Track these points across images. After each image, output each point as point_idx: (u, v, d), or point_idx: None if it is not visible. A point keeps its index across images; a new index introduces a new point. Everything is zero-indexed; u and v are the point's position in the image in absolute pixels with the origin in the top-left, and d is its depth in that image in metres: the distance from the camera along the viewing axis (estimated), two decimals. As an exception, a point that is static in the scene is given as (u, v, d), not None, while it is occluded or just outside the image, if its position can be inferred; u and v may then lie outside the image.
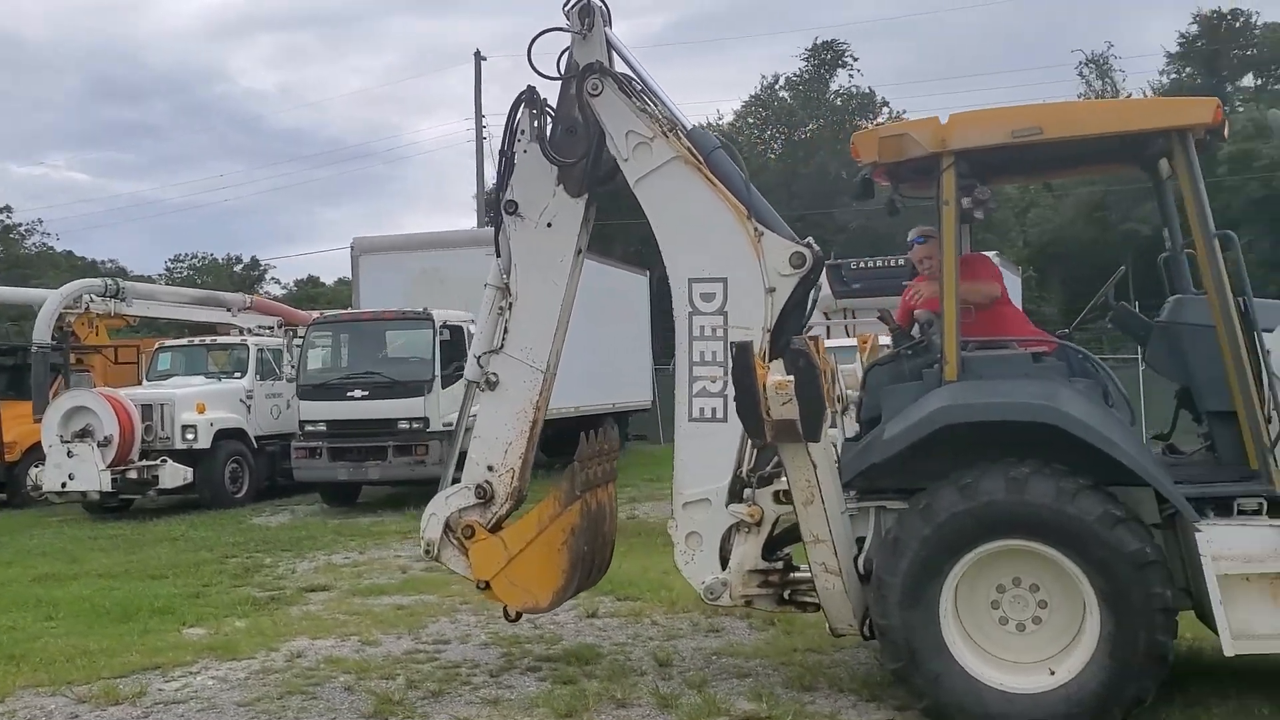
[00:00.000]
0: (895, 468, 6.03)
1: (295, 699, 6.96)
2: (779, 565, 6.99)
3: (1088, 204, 37.31)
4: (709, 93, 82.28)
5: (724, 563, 6.91)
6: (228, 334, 20.64)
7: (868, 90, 35.89)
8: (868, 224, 33.06)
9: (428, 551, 7.54)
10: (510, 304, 7.41)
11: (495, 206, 7.58)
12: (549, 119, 7.39)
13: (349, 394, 16.86)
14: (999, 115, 5.97)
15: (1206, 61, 37.70)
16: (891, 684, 6.68)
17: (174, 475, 17.27)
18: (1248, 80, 39.02)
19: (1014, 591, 5.96)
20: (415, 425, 16.62)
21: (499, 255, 7.45)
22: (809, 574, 6.96)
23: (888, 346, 7.51)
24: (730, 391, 6.84)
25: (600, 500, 7.50)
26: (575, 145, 7.22)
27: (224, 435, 17.94)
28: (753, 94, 37.25)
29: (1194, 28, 38.14)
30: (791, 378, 6.05)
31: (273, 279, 57.83)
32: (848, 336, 15.60)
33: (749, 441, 6.89)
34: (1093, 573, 5.60)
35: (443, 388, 16.82)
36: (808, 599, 6.93)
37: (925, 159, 6.12)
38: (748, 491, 6.92)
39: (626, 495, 18.09)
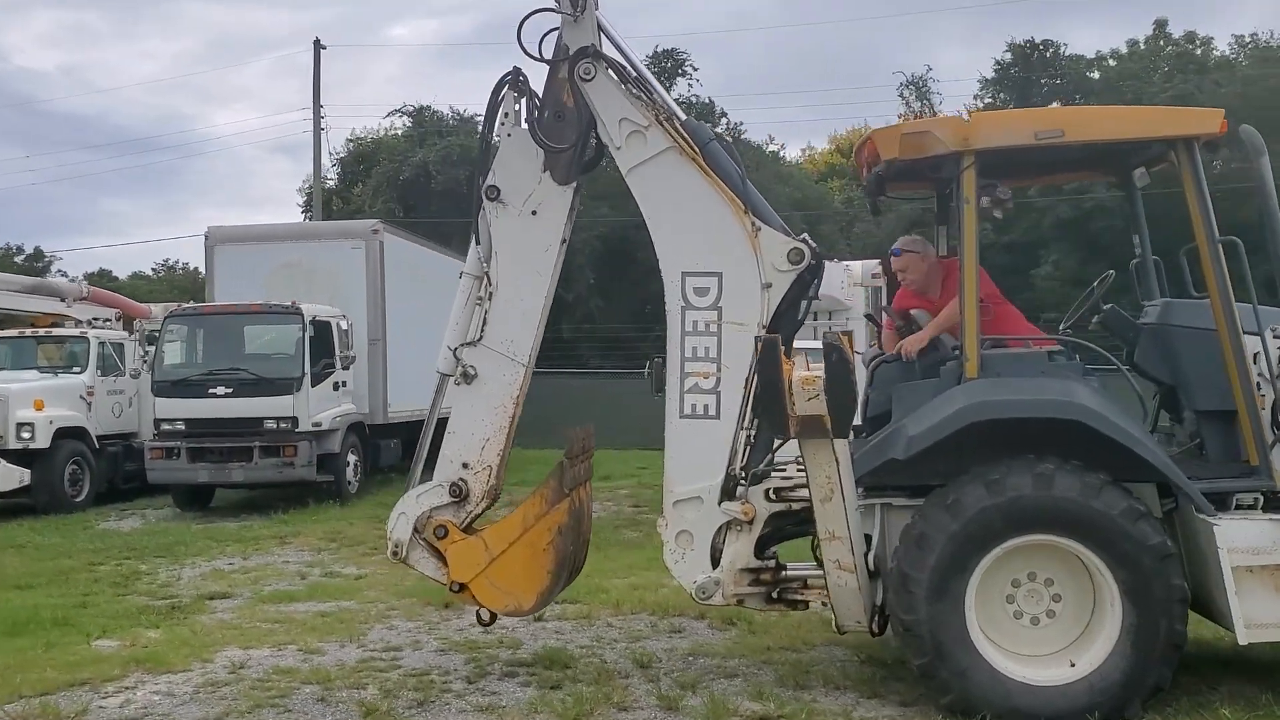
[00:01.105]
0: (913, 465, 6.05)
1: (268, 712, 6.49)
2: (771, 564, 6.93)
3: (908, 220, 38.63)
4: None
5: (713, 561, 6.83)
6: (61, 325, 19.20)
7: (707, 100, 36.54)
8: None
9: (395, 553, 7.14)
10: (490, 294, 7.09)
11: (474, 191, 7.25)
12: (534, 103, 7.14)
13: (211, 391, 15.93)
14: (1023, 116, 6.15)
15: (1019, 88, 39.82)
16: (885, 680, 6.77)
17: (8, 477, 15.96)
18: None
19: (1029, 586, 6.07)
20: (283, 425, 15.85)
21: (478, 242, 7.12)
22: (799, 572, 6.96)
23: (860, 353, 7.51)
24: (723, 388, 6.79)
25: (581, 499, 7.28)
26: (564, 131, 6.99)
27: (64, 434, 16.66)
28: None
29: (1008, 55, 40.29)
30: (819, 373, 6.01)
31: (59, 272, 54.22)
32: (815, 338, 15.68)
33: (741, 438, 6.82)
34: (1116, 566, 5.75)
35: (312, 386, 16.11)
36: (798, 597, 6.90)
37: (944, 157, 6.17)
38: (740, 489, 6.83)
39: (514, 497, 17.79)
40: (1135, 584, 5.72)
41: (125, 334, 19.07)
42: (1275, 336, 6.14)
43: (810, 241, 6.81)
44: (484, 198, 7.09)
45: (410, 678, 7.13)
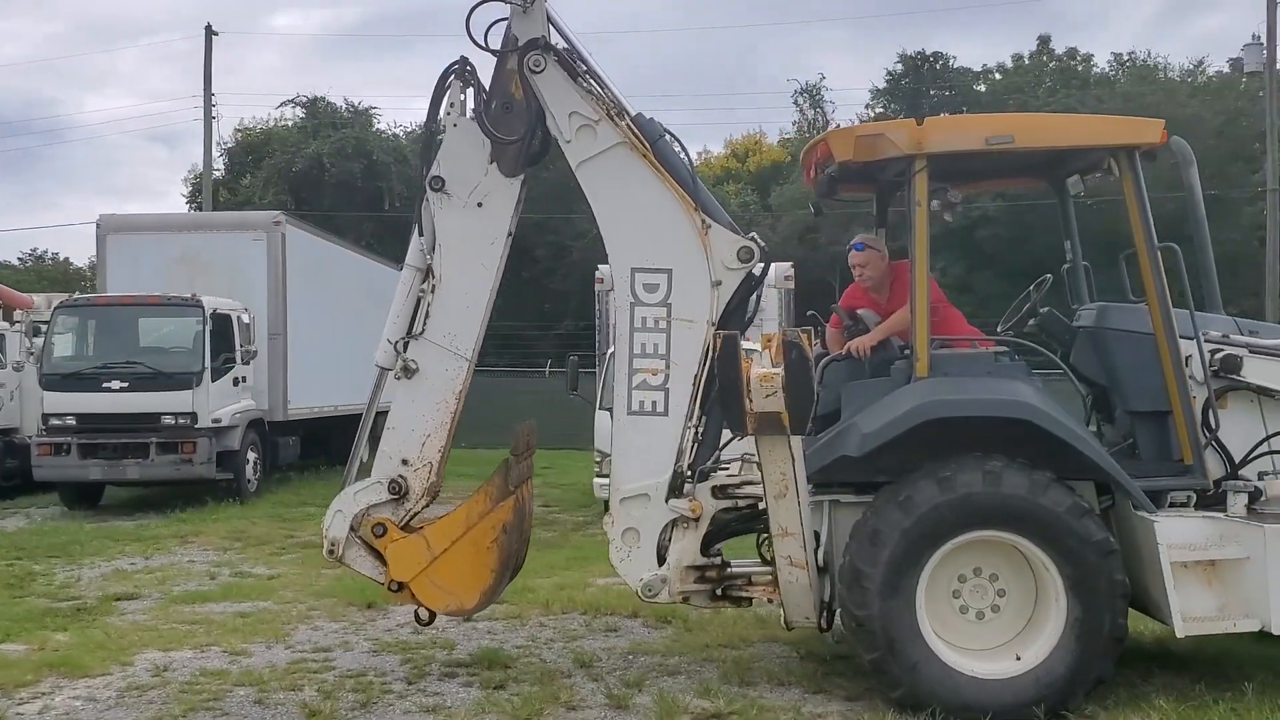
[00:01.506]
0: (866, 462, 6.12)
1: (203, 716, 6.27)
2: (716, 561, 6.94)
3: (802, 225, 39.18)
4: (403, 89, 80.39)
5: (659, 559, 6.82)
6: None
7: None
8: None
9: (331, 552, 6.95)
10: (433, 286, 6.95)
11: (420, 181, 7.11)
12: (481, 94, 7.03)
13: (104, 385, 15.34)
14: (974, 122, 6.24)
15: (909, 98, 40.76)
16: (828, 675, 6.84)
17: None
18: (942, 118, 42.47)
19: (974, 581, 6.20)
20: (182, 421, 15.34)
21: (420, 234, 6.98)
22: (744, 569, 6.98)
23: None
24: (672, 385, 6.77)
25: (524, 496, 7.18)
26: (512, 123, 6.89)
27: (-59, 429, 15.91)
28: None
29: (899, 66, 41.22)
30: (777, 370, 6.04)
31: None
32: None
33: (688, 435, 6.82)
34: (1062, 561, 5.90)
35: (212, 381, 15.64)
36: (742, 594, 6.92)
37: (895, 160, 6.26)
38: (688, 486, 6.83)
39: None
40: (1080, 579, 5.88)
41: (5, 325, 18.24)
42: (1207, 341, 6.37)
43: (759, 240, 6.83)
44: (428, 188, 6.96)
45: (346, 679, 6.95)
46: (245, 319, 16.46)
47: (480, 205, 6.92)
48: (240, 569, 11.14)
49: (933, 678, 5.93)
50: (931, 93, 41.33)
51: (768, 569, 6.98)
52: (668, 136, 6.98)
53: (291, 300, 17.72)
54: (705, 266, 6.77)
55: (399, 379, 7.00)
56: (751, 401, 6.05)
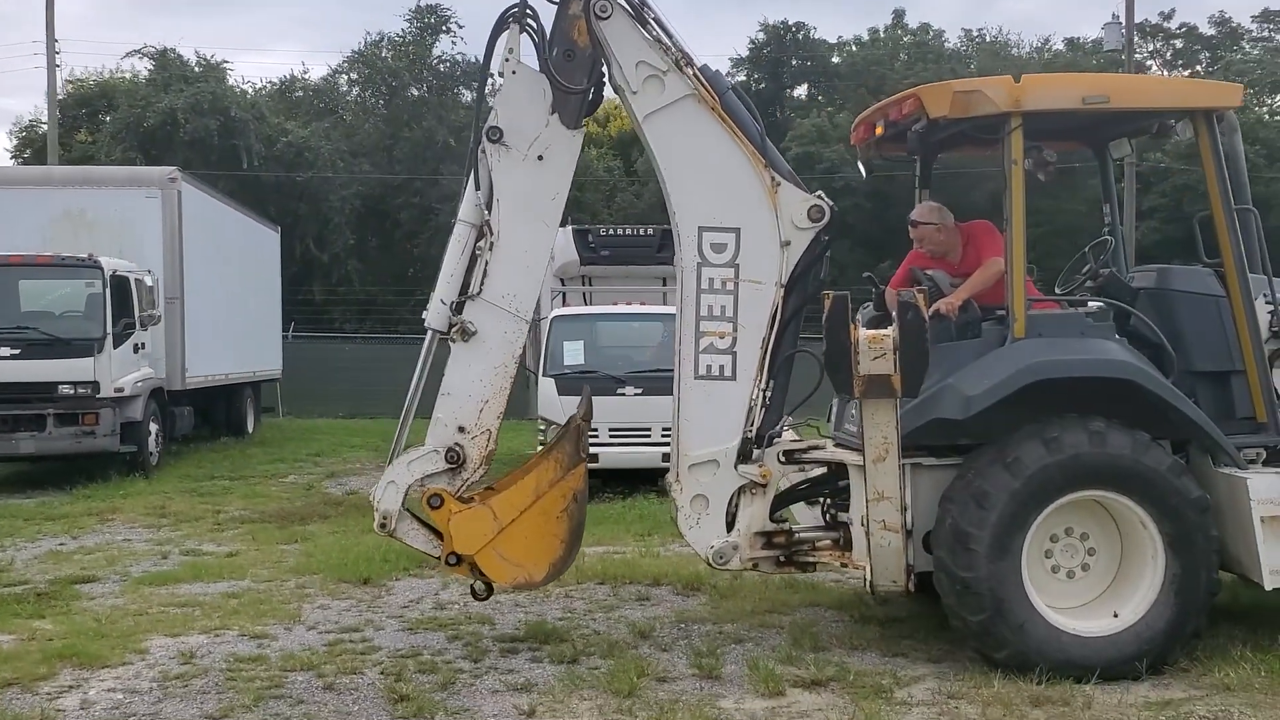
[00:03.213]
0: (966, 425, 6.07)
1: (278, 704, 5.79)
2: (785, 526, 6.82)
3: (655, 194, 39.24)
4: (295, 41, 76.74)
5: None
6: None
7: (474, 59, 35.54)
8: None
9: (383, 525, 6.54)
10: (492, 244, 6.56)
11: (474, 131, 6.70)
12: (535, 40, 6.66)
13: (-8, 352, 14.12)
14: (1071, 80, 6.27)
15: (771, 68, 41.18)
16: (893, 638, 6.82)
17: None
18: (801, 90, 43.13)
19: (1065, 541, 6.24)
20: (82, 390, 14.25)
21: (477, 188, 6.58)
22: (810, 534, 6.89)
23: None
24: (740, 348, 6.61)
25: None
26: (573, 71, 6.56)
27: None
28: (355, 50, 35.70)
29: (761, 35, 41.53)
30: (888, 332, 5.92)
31: None
32: (585, 304, 15.39)
33: (757, 399, 6.65)
34: (1161, 519, 5.99)
35: (115, 347, 14.59)
36: (808, 559, 6.84)
37: (993, 117, 6.20)
38: (757, 452, 6.68)
39: (320, 470, 16.85)
40: (1178, 536, 5.98)
41: None
42: (1268, 303, 6.55)
43: (827, 199, 6.68)
44: (485, 139, 6.56)
45: (402, 659, 6.55)
46: (149, 282, 15.42)
47: (541, 158, 6.56)
48: (187, 547, 10.42)
49: (1039, 637, 5.95)
50: (794, 62, 41.81)
51: (833, 533, 6.91)
52: (732, 91, 6.78)
53: (187, 263, 16.70)
54: (774, 226, 6.61)
55: (454, 342, 6.60)
56: (859, 363, 5.91)
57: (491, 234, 6.57)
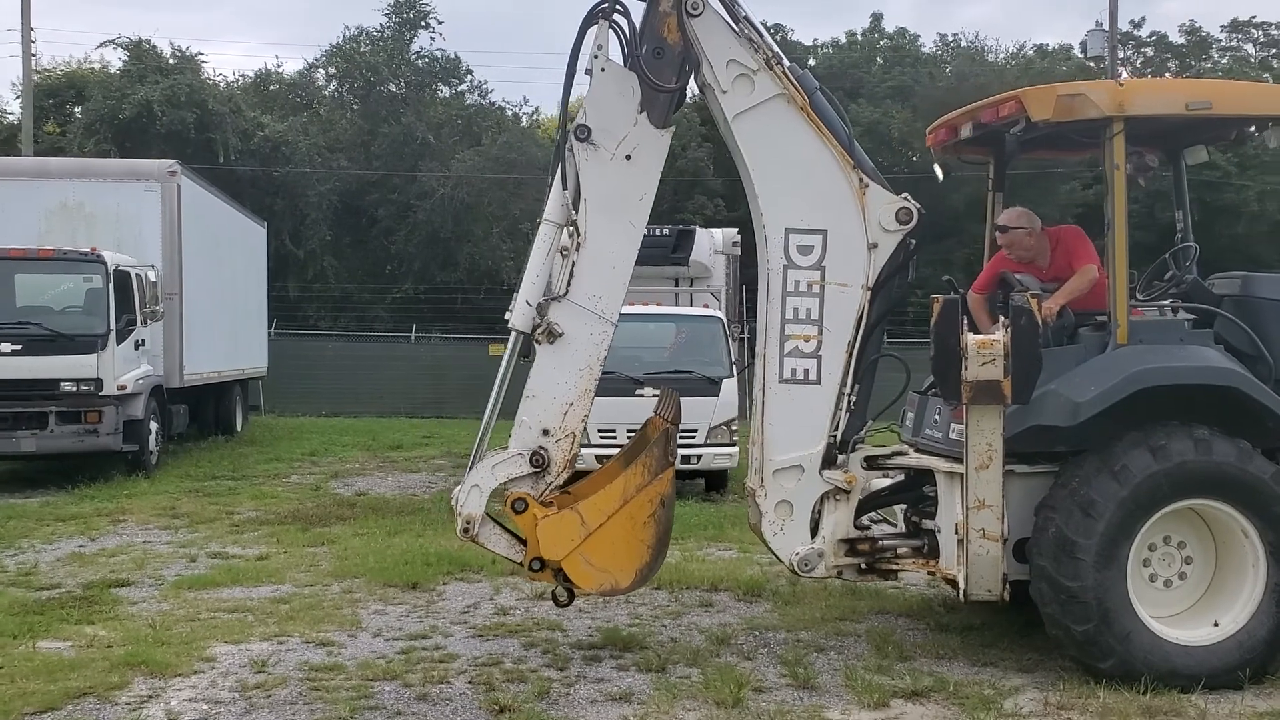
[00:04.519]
0: (1072, 431, 6.01)
1: (374, 715, 5.62)
2: (869, 534, 6.74)
3: (664, 188, 38.99)
4: (265, 35, 75.70)
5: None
6: None
7: (453, 55, 35.33)
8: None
9: (466, 530, 6.36)
10: (579, 245, 6.42)
11: (560, 129, 6.55)
12: (622, 37, 6.53)
13: (-9, 347, 13.73)
14: (1174, 86, 6.22)
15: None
16: (977, 647, 6.75)
17: None
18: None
19: (1163, 550, 6.20)
20: (85, 388, 13.89)
21: (565, 187, 6.43)
22: (892, 541, 6.82)
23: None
24: (825, 352, 6.53)
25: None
26: (663, 69, 6.43)
27: None
28: (333, 44, 35.20)
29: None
30: (998, 337, 5.84)
31: None
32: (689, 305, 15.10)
33: (842, 404, 6.57)
34: (1264, 527, 5.97)
35: (118, 344, 14.25)
36: (890, 566, 6.76)
37: (1095, 121, 6.15)
38: (841, 458, 6.59)
39: (320, 471, 16.57)
40: (1280, 545, 5.96)
41: None
42: None
43: (915, 202, 6.60)
44: (573, 137, 6.41)
45: (484, 668, 6.41)
46: (151, 277, 15.08)
47: (629, 158, 6.43)
48: (212, 550, 10.18)
49: (1144, 647, 5.91)
50: (770, 65, 41.72)
51: (915, 541, 6.84)
52: (820, 91, 6.69)
53: (186, 258, 16.37)
54: (862, 228, 6.53)
55: (539, 343, 6.45)
56: (967, 368, 5.84)
57: (579, 234, 6.43)
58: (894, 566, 6.75)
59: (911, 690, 5.97)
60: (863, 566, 6.72)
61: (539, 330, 6.41)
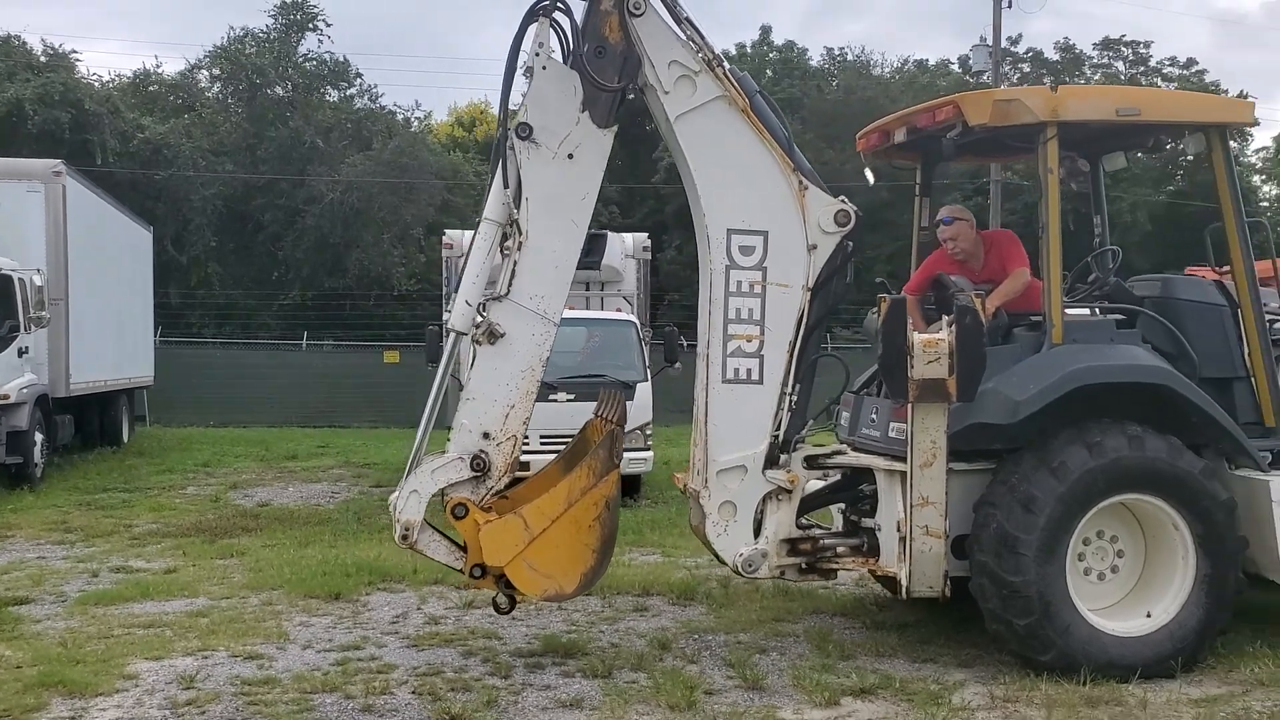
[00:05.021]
0: (1011, 429, 6.12)
1: (318, 730, 5.43)
2: (810, 533, 6.77)
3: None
4: (141, 32, 73.05)
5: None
6: None
7: (342, 58, 34.67)
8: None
9: (404, 537, 6.20)
10: (520, 244, 6.32)
11: (501, 128, 6.43)
12: (561, 35, 6.46)
13: None
14: (1105, 92, 6.38)
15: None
16: (914, 644, 6.82)
17: None
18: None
19: (1097, 544, 6.36)
20: (-36, 397, 13.25)
21: (506, 185, 6.32)
22: (831, 540, 6.85)
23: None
24: (767, 352, 6.54)
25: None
26: (605, 68, 6.37)
27: None
28: (216, 45, 34.23)
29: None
30: (942, 336, 5.92)
31: None
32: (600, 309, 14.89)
33: (783, 404, 6.58)
34: (1194, 520, 6.15)
35: (0, 351, 13.61)
36: (830, 565, 6.79)
37: (1029, 126, 6.28)
38: (783, 457, 6.61)
39: (216, 482, 16.05)
40: (1209, 537, 6.15)
41: None
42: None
43: (851, 204, 6.65)
44: (514, 135, 6.31)
45: (426, 678, 6.24)
46: (36, 281, 14.43)
47: (571, 157, 6.35)
48: (115, 564, 9.75)
49: (1083, 639, 6.04)
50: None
51: (853, 539, 6.89)
52: (759, 95, 6.71)
53: (72, 262, 15.71)
54: (802, 230, 6.56)
55: (480, 344, 6.32)
56: (913, 367, 5.90)
57: (520, 234, 6.33)
58: (834, 566, 6.78)
59: (860, 688, 6.00)
60: (803, 566, 6.73)
61: (480, 330, 6.28)
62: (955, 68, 43.50)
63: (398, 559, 9.41)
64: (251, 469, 17.46)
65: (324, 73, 34.63)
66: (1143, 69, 42.35)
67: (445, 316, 16.12)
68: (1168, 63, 42.66)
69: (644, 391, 12.84)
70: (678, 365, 14.06)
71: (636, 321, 13.86)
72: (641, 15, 6.36)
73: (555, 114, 6.33)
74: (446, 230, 16.98)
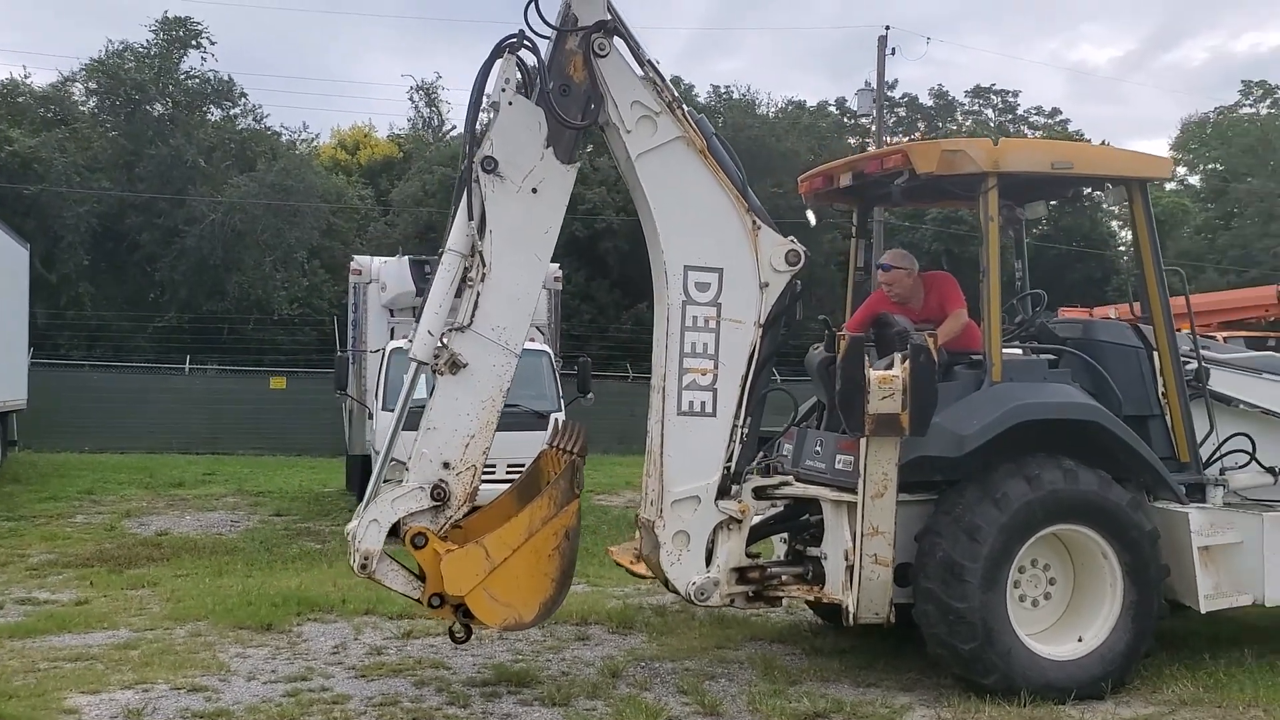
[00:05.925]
0: (958, 462, 6.41)
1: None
2: (759, 562, 6.96)
3: (423, 224, 38.59)
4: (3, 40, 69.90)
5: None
6: None
7: (226, 77, 33.87)
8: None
9: (363, 567, 6.20)
10: (484, 276, 6.41)
11: (465, 159, 6.51)
12: (526, 73, 6.61)
13: None
14: (1043, 146, 6.73)
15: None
16: (859, 669, 7.05)
17: None
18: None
19: (1031, 572, 6.69)
20: None
21: (470, 217, 6.41)
22: (778, 569, 7.06)
23: None
24: (720, 385, 6.75)
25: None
26: (569, 106, 6.53)
27: None
28: (93, 58, 33.12)
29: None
30: (897, 373, 6.18)
31: None
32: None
33: (736, 436, 6.78)
34: (1122, 550, 6.53)
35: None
36: (777, 593, 6.99)
37: (973, 176, 6.63)
38: (735, 488, 6.80)
39: (108, 510, 15.56)
40: (1136, 565, 6.54)
41: None
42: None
43: (800, 245, 6.91)
44: (479, 169, 6.41)
45: (384, 708, 6.22)
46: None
47: (535, 191, 6.49)
48: (19, 596, 9.41)
49: (1023, 662, 6.34)
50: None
51: (797, 568, 7.11)
52: (715, 137, 6.92)
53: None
54: (755, 267, 6.79)
55: (441, 374, 6.38)
56: (869, 403, 6.15)
57: (484, 265, 6.41)
58: (780, 593, 6.99)
59: (813, 712, 6.19)
60: (751, 594, 6.92)
61: (442, 361, 6.33)
62: (833, 109, 44.76)
63: (321, 589, 9.34)
64: (140, 496, 16.95)
65: (207, 91, 33.83)
66: (1011, 117, 44.27)
67: (351, 343, 16.10)
68: (1034, 111, 44.74)
69: (558, 422, 12.90)
70: (590, 395, 14.20)
71: (550, 351, 13.93)
72: (606, 56, 6.53)
73: (520, 149, 6.45)
74: (355, 256, 16.83)
